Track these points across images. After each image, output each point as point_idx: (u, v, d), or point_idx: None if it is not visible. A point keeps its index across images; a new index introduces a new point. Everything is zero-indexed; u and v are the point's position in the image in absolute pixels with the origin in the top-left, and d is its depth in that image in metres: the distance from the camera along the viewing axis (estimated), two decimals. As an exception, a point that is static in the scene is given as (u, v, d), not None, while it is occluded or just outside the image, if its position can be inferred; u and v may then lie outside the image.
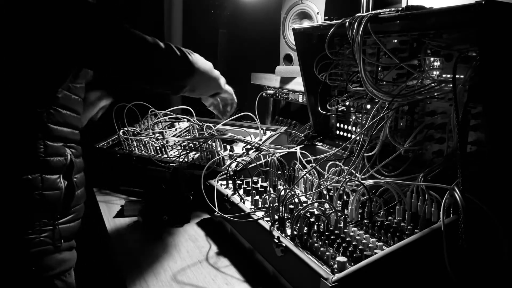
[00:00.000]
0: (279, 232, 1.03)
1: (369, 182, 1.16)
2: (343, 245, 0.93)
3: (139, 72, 1.24)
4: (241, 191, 1.31)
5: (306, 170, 1.33)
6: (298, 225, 1.02)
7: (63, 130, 1.19)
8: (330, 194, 1.24)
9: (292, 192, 1.16)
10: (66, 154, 1.20)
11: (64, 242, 1.17)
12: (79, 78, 1.22)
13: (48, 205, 1.15)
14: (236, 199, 1.27)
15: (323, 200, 1.20)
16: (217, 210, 1.27)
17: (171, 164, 1.57)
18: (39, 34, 1.10)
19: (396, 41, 1.30)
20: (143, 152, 1.74)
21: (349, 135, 1.58)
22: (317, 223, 1.05)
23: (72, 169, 1.19)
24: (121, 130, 1.82)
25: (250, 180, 1.35)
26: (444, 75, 1.16)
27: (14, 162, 1.12)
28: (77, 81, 1.22)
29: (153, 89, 1.33)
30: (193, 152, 1.68)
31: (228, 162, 1.55)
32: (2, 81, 1.12)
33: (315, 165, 1.34)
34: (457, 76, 1.00)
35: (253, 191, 1.26)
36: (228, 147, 1.71)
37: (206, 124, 1.88)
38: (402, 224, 1.02)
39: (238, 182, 1.34)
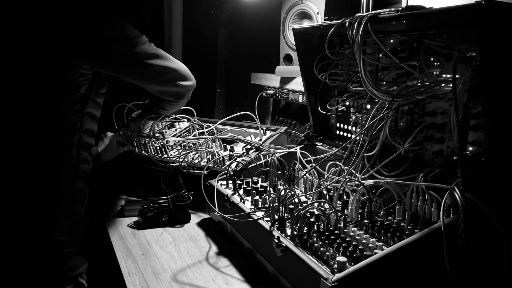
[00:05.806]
0: (279, 232, 1.03)
1: (369, 182, 1.16)
2: (343, 245, 0.93)
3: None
4: (241, 191, 1.30)
5: (306, 170, 1.33)
6: (298, 225, 1.02)
7: (89, 137, 1.25)
8: (330, 194, 1.24)
9: (292, 192, 1.16)
10: (89, 161, 1.26)
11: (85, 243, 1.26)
12: (102, 86, 1.28)
13: (77, 210, 1.23)
14: (236, 199, 1.27)
15: (323, 200, 1.20)
16: (217, 210, 1.27)
17: (171, 164, 1.57)
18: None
19: (396, 41, 1.30)
20: (143, 152, 1.74)
21: (349, 135, 1.58)
22: (317, 223, 1.05)
23: (90, 174, 1.27)
24: (121, 130, 1.82)
25: (250, 180, 1.35)
26: (444, 75, 1.16)
27: (52, 169, 1.17)
28: (102, 88, 1.28)
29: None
30: (193, 152, 1.68)
31: (228, 162, 1.55)
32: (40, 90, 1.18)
33: (315, 165, 1.34)
34: (457, 76, 1.00)
35: (253, 191, 1.25)
36: (228, 147, 1.71)
37: (206, 124, 1.88)
38: (402, 224, 1.02)
39: (238, 182, 1.34)
